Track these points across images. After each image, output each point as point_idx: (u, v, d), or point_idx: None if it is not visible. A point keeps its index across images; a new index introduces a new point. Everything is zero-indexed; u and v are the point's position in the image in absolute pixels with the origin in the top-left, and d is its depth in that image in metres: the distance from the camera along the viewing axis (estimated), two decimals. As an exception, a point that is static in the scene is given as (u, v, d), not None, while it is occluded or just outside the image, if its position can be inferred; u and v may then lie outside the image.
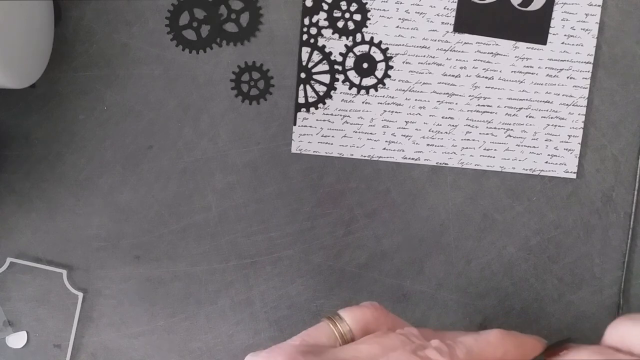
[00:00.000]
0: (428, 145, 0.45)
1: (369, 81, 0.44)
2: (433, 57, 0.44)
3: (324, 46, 0.44)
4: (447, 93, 0.44)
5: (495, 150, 0.45)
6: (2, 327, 0.45)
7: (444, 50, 0.44)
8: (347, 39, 0.44)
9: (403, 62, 0.44)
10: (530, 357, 0.32)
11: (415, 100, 0.44)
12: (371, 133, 0.44)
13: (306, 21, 0.43)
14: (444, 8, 0.43)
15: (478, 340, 0.30)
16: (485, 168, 0.45)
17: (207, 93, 0.44)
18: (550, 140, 0.45)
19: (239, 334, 0.45)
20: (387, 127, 0.44)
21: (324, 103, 0.44)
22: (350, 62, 0.44)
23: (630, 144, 0.45)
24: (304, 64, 0.44)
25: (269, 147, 0.44)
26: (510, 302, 0.45)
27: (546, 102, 0.44)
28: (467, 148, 0.45)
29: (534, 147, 0.45)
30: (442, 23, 0.44)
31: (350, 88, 0.44)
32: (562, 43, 0.44)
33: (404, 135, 0.45)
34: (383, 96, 0.44)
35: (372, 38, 0.44)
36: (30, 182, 0.44)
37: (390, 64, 0.44)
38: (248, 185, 0.45)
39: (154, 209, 0.45)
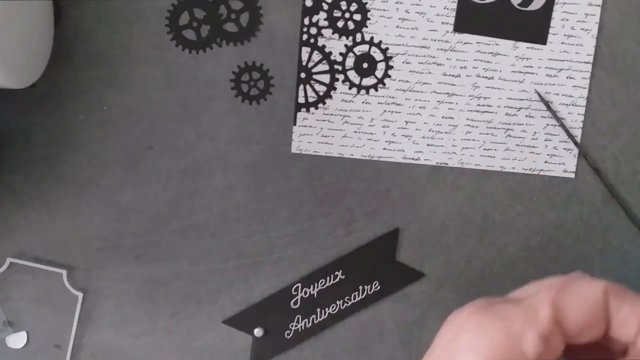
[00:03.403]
0: (428, 145, 0.45)
1: (369, 81, 0.44)
2: (433, 57, 0.44)
3: (324, 46, 0.44)
4: (447, 93, 0.44)
5: (495, 150, 0.45)
6: (2, 327, 0.45)
7: (444, 50, 0.44)
8: (347, 39, 0.44)
9: (403, 62, 0.44)
10: None
11: (415, 100, 0.44)
12: (371, 133, 0.44)
13: (306, 21, 0.43)
14: (444, 8, 0.43)
15: None
16: (485, 168, 0.45)
17: (207, 93, 0.44)
18: (550, 140, 0.45)
19: (239, 333, 0.45)
20: (387, 127, 0.44)
21: (324, 103, 0.44)
22: (350, 62, 0.44)
23: (630, 144, 0.45)
24: (304, 64, 0.44)
25: (269, 147, 0.44)
26: (510, 302, 0.45)
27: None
28: (467, 148, 0.45)
29: (533, 147, 0.45)
30: (442, 23, 0.44)
31: (350, 88, 0.44)
32: (562, 43, 0.44)
33: (404, 135, 0.45)
34: (383, 96, 0.44)
35: (372, 38, 0.44)
36: (30, 182, 0.44)
37: (390, 64, 0.44)
38: (248, 185, 0.45)
39: (155, 209, 0.45)
